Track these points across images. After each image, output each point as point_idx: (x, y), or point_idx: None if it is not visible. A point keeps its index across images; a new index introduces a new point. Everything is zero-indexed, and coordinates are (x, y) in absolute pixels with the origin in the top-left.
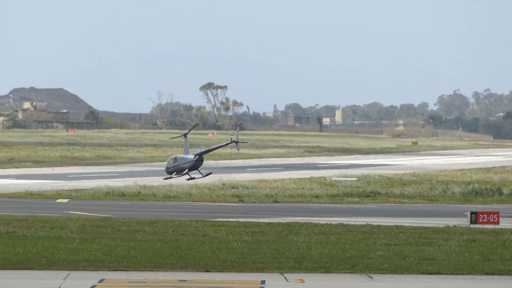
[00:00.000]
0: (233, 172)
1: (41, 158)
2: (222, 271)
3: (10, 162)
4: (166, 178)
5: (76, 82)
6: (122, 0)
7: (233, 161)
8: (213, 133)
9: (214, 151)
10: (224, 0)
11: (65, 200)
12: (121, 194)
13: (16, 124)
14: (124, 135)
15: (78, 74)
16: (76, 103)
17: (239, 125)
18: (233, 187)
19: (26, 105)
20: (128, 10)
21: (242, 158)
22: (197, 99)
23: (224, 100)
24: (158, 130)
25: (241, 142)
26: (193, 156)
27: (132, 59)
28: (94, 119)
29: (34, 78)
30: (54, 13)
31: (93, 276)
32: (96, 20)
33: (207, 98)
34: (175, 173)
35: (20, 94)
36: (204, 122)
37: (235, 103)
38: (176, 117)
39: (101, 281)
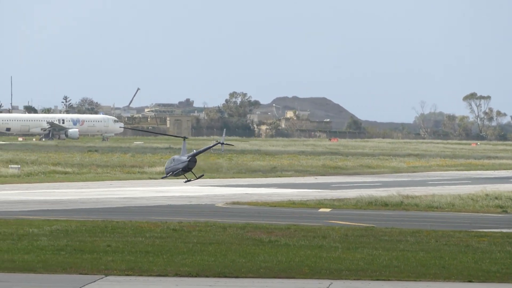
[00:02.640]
0: (496, 182)
1: (304, 167)
2: (484, 282)
3: (273, 171)
4: (163, 177)
5: (339, 92)
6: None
7: (496, 171)
8: (476, 143)
9: (206, 152)
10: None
11: (328, 210)
12: (384, 204)
13: (278, 133)
14: (387, 145)
15: (342, 84)
16: (339, 112)
17: (225, 129)
18: (496, 198)
19: (289, 114)
20: (382, 25)
21: (505, 169)
22: (460, 109)
23: (487, 111)
24: (421, 140)
25: (226, 144)
26: (186, 157)
27: (395, 70)
28: (357, 128)
29: (297, 87)
30: (320, 23)
31: (356, 286)
32: (358, 32)
33: (471, 108)
34: (171, 173)
35: (283, 103)
36: (467, 132)
37: (499, 113)
38: (439, 127)
39: None
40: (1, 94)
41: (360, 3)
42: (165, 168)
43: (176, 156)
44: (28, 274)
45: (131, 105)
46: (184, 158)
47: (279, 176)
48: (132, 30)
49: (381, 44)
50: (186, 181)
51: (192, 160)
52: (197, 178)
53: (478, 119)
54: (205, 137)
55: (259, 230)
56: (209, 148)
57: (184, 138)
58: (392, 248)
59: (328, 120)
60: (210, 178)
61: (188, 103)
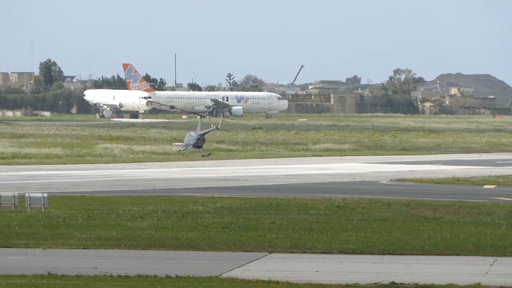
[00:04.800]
0: None
1: (468, 144)
2: None
3: (437, 148)
4: (178, 151)
5: (503, 68)
6: None
7: None
8: None
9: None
10: None
11: (492, 186)
12: None
13: (442, 109)
14: None
15: (506, 60)
16: (503, 89)
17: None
18: None
19: (453, 91)
20: None
21: None
22: None
23: None
24: None
25: (222, 130)
26: (196, 135)
27: None
28: None
29: (462, 64)
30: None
31: None
32: None
33: None
34: (185, 147)
35: (447, 80)
36: None
37: None
38: None
39: None
40: (165, 72)
41: None
42: (183, 142)
43: (191, 132)
44: (192, 252)
45: (295, 82)
46: (195, 135)
47: (443, 153)
48: (297, 6)
49: None
50: (202, 155)
51: (201, 139)
52: (207, 156)
53: None
54: (369, 114)
55: (424, 207)
56: (208, 131)
57: (201, 116)
58: None
59: (492, 96)
60: (374, 155)
61: (355, 79)
